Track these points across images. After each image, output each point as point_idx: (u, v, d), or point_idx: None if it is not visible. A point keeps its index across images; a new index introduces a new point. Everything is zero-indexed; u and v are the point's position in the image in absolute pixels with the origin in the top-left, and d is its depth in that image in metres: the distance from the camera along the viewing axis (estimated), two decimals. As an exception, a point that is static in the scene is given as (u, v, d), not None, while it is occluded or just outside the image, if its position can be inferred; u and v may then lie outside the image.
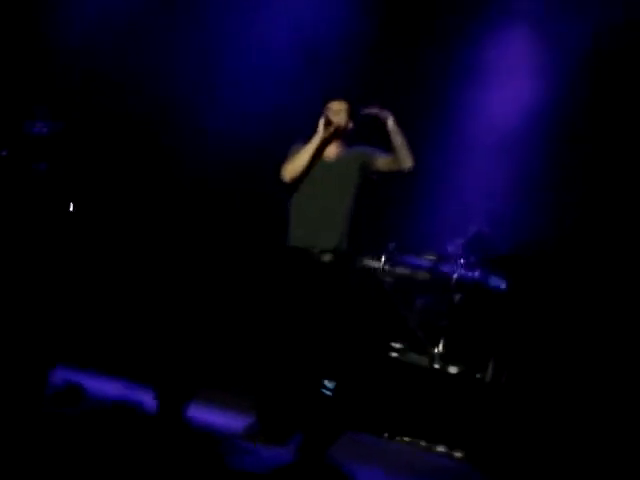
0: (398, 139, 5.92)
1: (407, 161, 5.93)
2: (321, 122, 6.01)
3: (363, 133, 6.15)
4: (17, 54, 8.09)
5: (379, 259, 7.52)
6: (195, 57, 8.24)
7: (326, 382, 5.72)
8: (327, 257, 5.97)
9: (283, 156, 6.12)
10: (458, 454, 6.88)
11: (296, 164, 6.00)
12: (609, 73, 7.68)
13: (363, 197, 6.15)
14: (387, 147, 6.04)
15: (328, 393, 5.56)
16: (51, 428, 4.16)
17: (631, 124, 7.63)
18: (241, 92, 8.08)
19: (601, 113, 7.70)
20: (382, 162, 6.00)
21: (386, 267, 7.51)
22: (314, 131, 6.03)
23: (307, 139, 6.05)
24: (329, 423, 6.22)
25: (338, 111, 6.05)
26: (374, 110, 5.98)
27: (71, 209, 7.64)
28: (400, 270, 7.55)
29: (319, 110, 6.11)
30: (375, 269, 7.53)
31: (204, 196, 8.15)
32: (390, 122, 5.94)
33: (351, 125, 6.10)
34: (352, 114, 6.08)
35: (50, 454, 4.06)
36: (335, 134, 6.05)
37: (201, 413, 6.40)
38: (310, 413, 5.97)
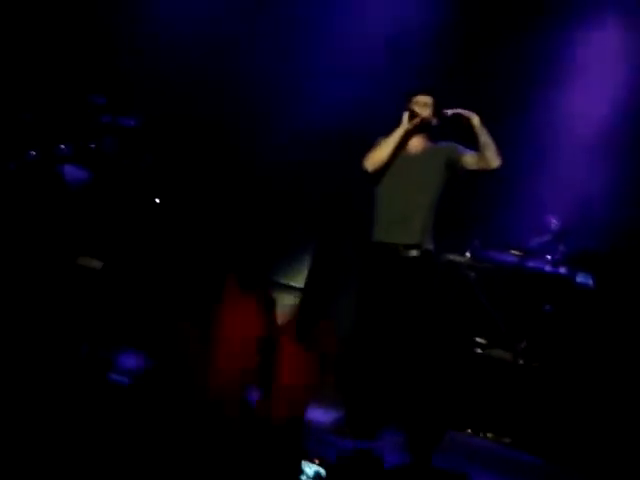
0: (484, 138, 5.89)
1: (494, 160, 5.90)
2: (405, 114, 6.00)
3: (448, 131, 6.13)
4: (101, 47, 8.19)
5: (463, 254, 7.49)
6: (275, 52, 8.26)
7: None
8: (412, 252, 5.96)
9: (367, 149, 6.13)
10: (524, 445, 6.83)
11: (378, 154, 5.99)
12: None
13: (449, 192, 6.12)
14: (472, 145, 6.01)
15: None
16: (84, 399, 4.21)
17: None
18: (323, 86, 8.08)
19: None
20: (470, 159, 5.97)
21: (471, 262, 7.48)
22: (398, 124, 6.03)
23: (391, 131, 6.05)
24: (428, 422, 6.23)
25: (424, 105, 6.03)
26: (459, 110, 5.95)
27: (157, 202, 7.74)
28: (485, 265, 7.52)
29: (402, 103, 6.10)
30: (459, 264, 7.50)
31: (289, 191, 8.17)
32: (476, 121, 5.91)
33: (435, 120, 6.07)
34: (437, 109, 6.06)
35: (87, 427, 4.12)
36: (419, 128, 6.03)
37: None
38: (403, 410, 5.97)
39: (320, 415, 6.14)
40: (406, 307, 5.89)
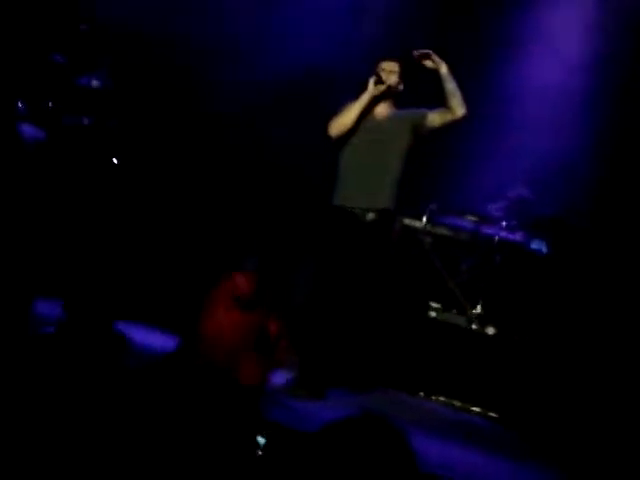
0: (451, 85, 5.92)
1: (461, 107, 5.94)
2: (372, 80, 6.00)
3: (413, 75, 6.14)
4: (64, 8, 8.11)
5: (420, 219, 7.52)
6: (243, 11, 8.21)
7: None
8: (370, 216, 5.98)
9: (332, 112, 6.13)
10: (492, 414, 6.91)
11: (343, 120, 6.00)
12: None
13: (409, 156, 6.15)
14: (434, 105, 6.03)
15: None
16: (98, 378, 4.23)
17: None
18: (288, 47, 8.04)
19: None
20: (435, 117, 6.00)
21: (427, 227, 7.51)
22: (364, 88, 6.03)
23: (357, 96, 6.05)
24: (366, 379, 6.29)
25: (390, 71, 6.04)
26: (429, 52, 5.95)
27: (115, 163, 7.70)
28: (441, 230, 7.56)
29: (370, 68, 6.11)
30: (416, 229, 7.53)
31: (248, 151, 8.15)
32: (444, 69, 5.93)
33: (402, 86, 6.08)
34: (403, 75, 6.07)
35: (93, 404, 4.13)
36: (385, 94, 6.05)
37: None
38: (348, 367, 6.02)
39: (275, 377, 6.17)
40: (361, 268, 5.92)
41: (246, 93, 7.96)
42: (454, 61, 7.62)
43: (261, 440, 3.69)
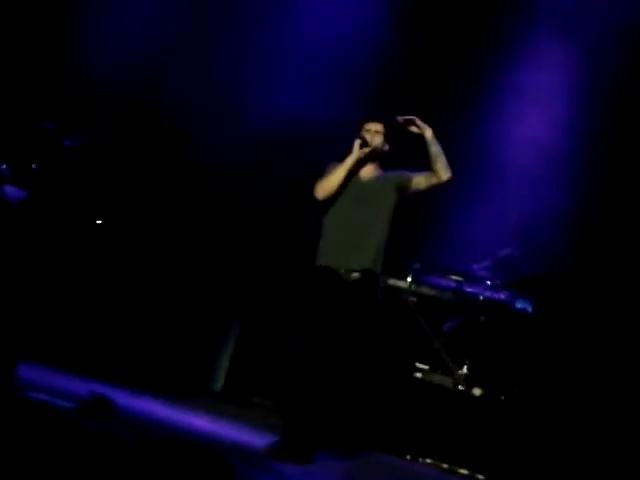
0: (436, 149, 5.94)
1: (446, 171, 5.95)
2: (357, 142, 6.01)
3: (397, 139, 6.15)
4: (43, 67, 8.13)
5: (404, 279, 7.50)
6: (226, 71, 8.25)
7: None
8: (354, 276, 5.96)
9: (318, 175, 6.13)
10: (480, 477, 6.85)
11: (330, 182, 6.00)
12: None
13: (394, 217, 6.14)
14: (419, 167, 6.05)
15: None
16: (83, 441, 4.17)
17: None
18: (274, 107, 8.07)
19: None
20: (420, 179, 6.01)
21: (411, 287, 7.49)
22: (349, 151, 6.04)
23: (342, 158, 6.06)
24: (352, 442, 6.22)
25: (375, 132, 6.06)
26: (413, 118, 5.97)
27: (98, 223, 7.69)
28: (425, 290, 7.54)
29: (353, 128, 6.13)
30: (400, 289, 7.51)
31: (234, 211, 8.14)
32: (428, 133, 5.96)
33: (387, 147, 6.10)
34: (388, 136, 6.09)
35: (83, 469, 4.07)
36: (371, 155, 6.06)
37: (226, 429, 6.43)
38: (334, 430, 5.96)
39: (255, 439, 6.11)
40: (345, 330, 5.88)
41: (231, 146, 7.96)
42: (438, 119, 7.75)
43: None
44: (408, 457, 7.00)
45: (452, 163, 7.54)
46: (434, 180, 5.96)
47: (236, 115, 8.08)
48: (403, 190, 6.03)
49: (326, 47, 8.15)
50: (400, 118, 6.00)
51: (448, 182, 5.99)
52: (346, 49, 8.14)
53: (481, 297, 7.39)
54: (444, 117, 7.94)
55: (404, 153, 6.08)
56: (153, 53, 8.17)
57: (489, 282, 7.43)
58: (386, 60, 8.17)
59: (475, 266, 7.60)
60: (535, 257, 7.55)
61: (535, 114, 8.00)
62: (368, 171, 6.11)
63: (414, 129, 5.99)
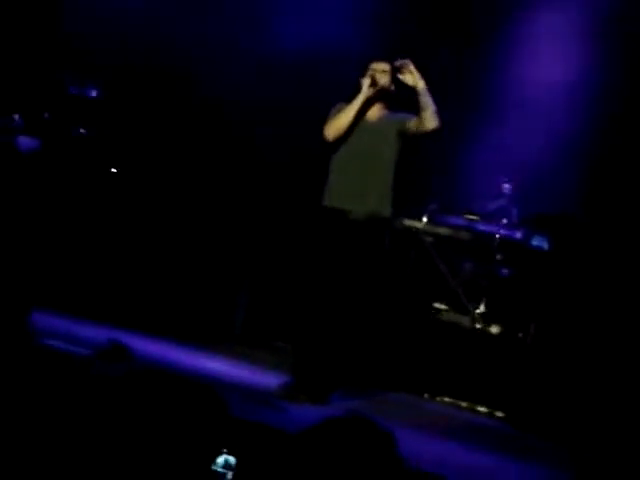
0: (425, 99, 5.89)
1: (432, 121, 5.89)
2: (365, 81, 5.98)
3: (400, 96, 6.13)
4: (54, 20, 8.10)
5: (420, 219, 7.49)
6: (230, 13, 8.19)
7: None
8: (359, 217, 5.94)
9: (325, 114, 6.10)
10: (499, 414, 6.87)
11: (339, 123, 5.99)
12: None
13: (404, 159, 6.12)
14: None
15: None
16: (100, 389, 4.20)
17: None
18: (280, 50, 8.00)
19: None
20: (411, 124, 5.98)
21: (427, 227, 7.49)
22: (357, 91, 6.01)
23: (349, 99, 6.03)
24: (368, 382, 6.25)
25: (382, 71, 6.02)
26: (409, 66, 5.92)
27: (113, 171, 7.70)
28: (441, 230, 7.53)
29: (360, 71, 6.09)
30: (416, 229, 7.50)
31: (242, 153, 8.11)
32: (420, 85, 5.90)
33: (393, 87, 6.06)
34: (395, 77, 6.05)
35: (98, 416, 4.11)
36: (378, 95, 6.02)
37: (241, 371, 6.48)
38: (345, 370, 5.99)
39: (271, 379, 6.15)
40: (354, 273, 5.90)
41: (238, 90, 7.91)
42: (455, 56, 7.68)
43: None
44: (426, 396, 7.03)
45: (470, 100, 7.55)
46: (421, 127, 5.92)
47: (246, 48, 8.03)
48: (403, 132, 6.00)
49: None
50: (397, 62, 5.95)
51: (434, 131, 5.93)
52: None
53: (497, 235, 7.38)
54: (461, 55, 7.93)
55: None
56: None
57: (505, 220, 7.42)
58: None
59: (491, 204, 7.58)
60: (545, 196, 7.52)
61: (551, 54, 7.90)
62: (375, 112, 6.08)
63: (408, 79, 5.93)
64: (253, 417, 4.74)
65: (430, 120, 5.89)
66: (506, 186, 7.48)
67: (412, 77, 5.92)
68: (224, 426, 4.24)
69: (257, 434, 4.51)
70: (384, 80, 6.01)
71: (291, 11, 8.00)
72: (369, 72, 6.02)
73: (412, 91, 5.95)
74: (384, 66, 6.04)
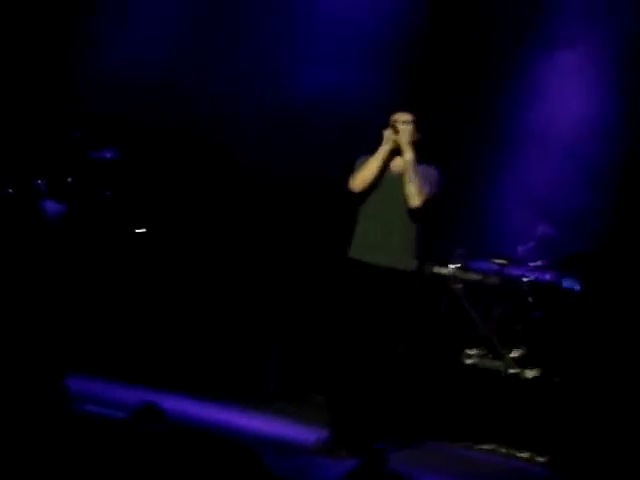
0: (409, 174, 5.88)
1: (413, 198, 5.89)
2: (387, 133, 5.98)
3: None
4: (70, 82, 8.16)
5: (449, 265, 7.45)
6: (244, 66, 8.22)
7: None
8: (385, 271, 5.92)
9: (350, 167, 6.11)
10: (541, 459, 6.77)
11: (364, 174, 6.00)
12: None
13: (431, 208, 6.09)
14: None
15: None
16: (135, 451, 4.17)
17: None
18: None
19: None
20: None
21: (456, 273, 7.44)
22: (380, 142, 6.01)
23: (373, 151, 6.03)
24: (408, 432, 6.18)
25: (405, 122, 6.02)
26: (398, 121, 5.91)
27: (139, 231, 7.72)
28: (470, 276, 7.47)
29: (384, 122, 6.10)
30: (445, 276, 7.45)
31: (268, 206, 8.10)
32: (408, 155, 5.90)
33: (418, 136, 6.06)
34: (418, 126, 6.05)
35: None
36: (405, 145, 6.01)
37: (276, 427, 6.41)
38: (384, 421, 5.93)
39: (309, 435, 6.08)
40: (377, 325, 5.87)
41: (255, 143, 7.92)
42: (473, 99, 7.67)
43: None
44: (467, 444, 6.94)
45: (492, 142, 7.52)
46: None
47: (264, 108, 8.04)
48: None
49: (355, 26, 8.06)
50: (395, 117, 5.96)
51: (416, 210, 5.89)
52: (377, 26, 8.03)
53: (526, 279, 7.32)
54: (481, 97, 7.93)
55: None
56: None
57: (533, 264, 7.37)
58: (418, 38, 8.07)
59: (520, 248, 7.53)
60: (576, 234, 7.47)
61: (573, 91, 7.90)
62: (399, 163, 6.06)
63: (400, 139, 5.92)
64: (294, 475, 4.68)
65: (411, 197, 5.88)
66: (537, 229, 7.43)
67: (403, 139, 5.91)
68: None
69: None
70: (407, 130, 6.00)
71: (307, 59, 8.02)
72: (391, 123, 6.03)
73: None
74: (406, 117, 6.04)
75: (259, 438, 5.85)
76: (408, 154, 5.91)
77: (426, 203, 5.95)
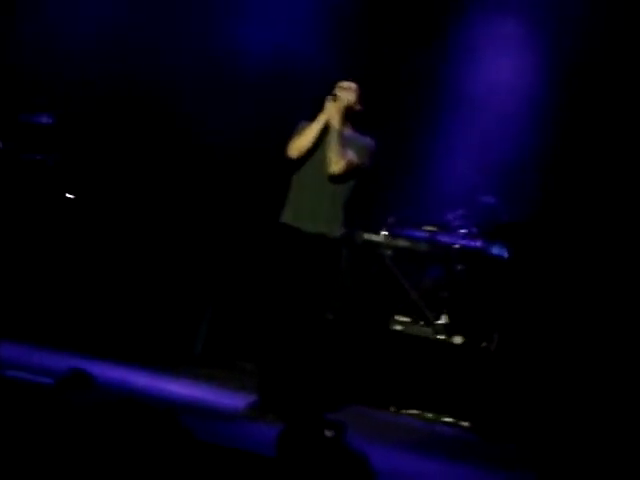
0: (332, 141, 5.88)
1: (332, 165, 5.88)
2: (329, 99, 5.96)
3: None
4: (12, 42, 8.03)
5: (379, 233, 7.50)
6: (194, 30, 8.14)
7: None
8: (312, 237, 5.94)
9: (289, 132, 6.08)
10: (465, 424, 6.88)
11: (301, 141, 5.95)
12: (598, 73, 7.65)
13: (361, 177, 6.10)
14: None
15: None
16: (60, 417, 4.15)
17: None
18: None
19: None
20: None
21: (387, 241, 7.50)
22: (321, 109, 5.99)
23: (313, 117, 6.01)
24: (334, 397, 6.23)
25: (347, 90, 6.01)
26: (340, 91, 5.92)
27: (69, 197, 7.65)
28: (401, 243, 7.54)
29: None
30: (376, 243, 7.51)
31: (202, 171, 8.06)
32: (335, 125, 5.90)
33: (359, 107, 6.04)
34: (361, 95, 6.04)
35: (59, 445, 4.06)
36: (342, 114, 5.99)
37: (204, 393, 6.44)
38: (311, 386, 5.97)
39: (234, 400, 6.12)
40: (305, 291, 5.89)
41: (198, 105, 7.87)
42: (415, 63, 7.70)
43: None
44: (392, 409, 7.02)
45: (425, 108, 7.53)
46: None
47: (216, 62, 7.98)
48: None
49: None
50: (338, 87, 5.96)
51: (335, 176, 5.91)
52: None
53: (456, 246, 7.40)
54: (421, 61, 7.96)
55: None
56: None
57: (463, 230, 7.44)
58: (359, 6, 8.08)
59: (450, 215, 7.60)
60: (512, 203, 7.55)
61: (510, 60, 7.95)
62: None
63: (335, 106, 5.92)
64: (221, 440, 4.69)
65: (330, 163, 5.87)
66: (482, 198, 7.51)
67: (336, 107, 5.91)
68: (191, 452, 4.21)
69: (226, 458, 4.47)
70: (348, 98, 5.99)
71: (256, 21, 7.98)
72: (334, 90, 6.00)
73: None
74: (349, 84, 6.02)
75: (186, 404, 5.86)
76: (334, 121, 5.91)
77: (350, 171, 5.95)
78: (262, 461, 4.32)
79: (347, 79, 6.07)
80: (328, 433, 4.89)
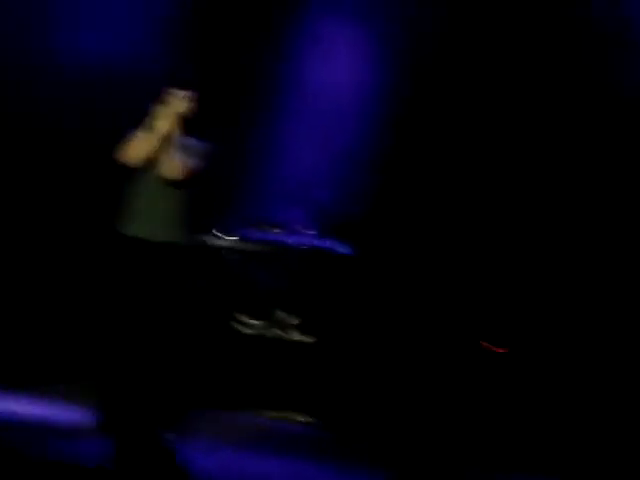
0: (170, 149, 5.85)
1: (171, 172, 5.85)
2: (160, 106, 5.89)
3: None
4: None
5: (225, 237, 7.49)
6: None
7: None
8: (153, 246, 5.87)
9: (119, 137, 5.97)
10: (313, 421, 6.88)
11: (135, 149, 5.89)
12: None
13: (197, 182, 6.05)
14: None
15: None
16: None
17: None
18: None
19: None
20: None
21: (233, 244, 7.48)
22: (151, 114, 5.91)
23: (141, 122, 5.93)
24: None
25: (178, 97, 5.94)
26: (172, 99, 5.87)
27: None
28: (248, 246, 7.55)
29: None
30: (221, 247, 7.49)
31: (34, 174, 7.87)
32: (170, 130, 5.86)
33: (192, 113, 6.00)
34: (195, 101, 5.98)
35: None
36: (175, 121, 5.94)
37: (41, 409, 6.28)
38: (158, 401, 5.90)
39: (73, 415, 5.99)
40: (148, 301, 5.82)
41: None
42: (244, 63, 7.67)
43: None
44: (244, 411, 6.98)
45: (269, 109, 7.50)
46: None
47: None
48: None
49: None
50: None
51: (179, 182, 5.88)
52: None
53: (303, 247, 7.44)
54: (258, 61, 7.95)
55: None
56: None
57: (308, 231, 7.49)
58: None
59: (293, 214, 7.64)
60: (346, 199, 7.63)
61: (347, 59, 8.03)
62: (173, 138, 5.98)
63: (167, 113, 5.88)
64: (51, 456, 4.60)
65: (170, 171, 5.84)
66: (312, 193, 7.56)
67: (169, 113, 5.86)
68: (20, 468, 4.09)
69: (56, 473, 4.39)
70: (181, 106, 5.93)
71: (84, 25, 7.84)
72: (165, 97, 5.94)
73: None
74: (180, 92, 5.96)
75: (22, 421, 5.71)
76: (167, 128, 5.85)
77: (187, 177, 5.91)
78: (92, 474, 4.26)
79: (180, 81, 6.02)
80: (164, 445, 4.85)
